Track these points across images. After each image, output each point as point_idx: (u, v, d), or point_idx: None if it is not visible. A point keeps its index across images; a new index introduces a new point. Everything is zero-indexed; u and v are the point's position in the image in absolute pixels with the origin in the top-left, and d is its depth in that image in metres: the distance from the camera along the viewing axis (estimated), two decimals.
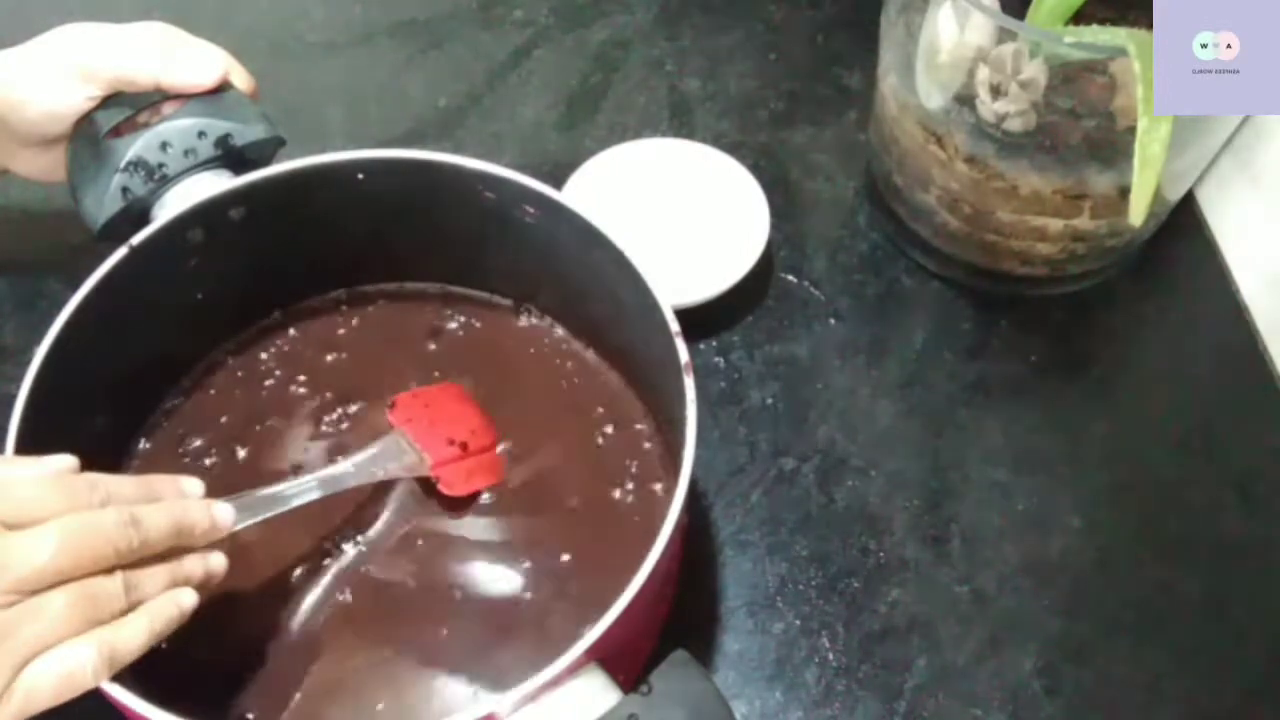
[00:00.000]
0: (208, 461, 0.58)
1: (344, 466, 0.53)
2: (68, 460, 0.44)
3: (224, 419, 0.59)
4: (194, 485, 0.46)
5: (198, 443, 0.58)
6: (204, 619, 0.44)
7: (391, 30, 0.84)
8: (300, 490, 0.50)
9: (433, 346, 0.62)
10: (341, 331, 0.63)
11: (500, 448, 0.58)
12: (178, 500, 0.45)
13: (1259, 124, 0.68)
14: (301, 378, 0.61)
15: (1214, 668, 0.58)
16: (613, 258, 0.53)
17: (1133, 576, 0.61)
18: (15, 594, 0.38)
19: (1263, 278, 0.70)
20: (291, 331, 0.62)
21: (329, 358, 0.62)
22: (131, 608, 0.41)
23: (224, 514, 0.46)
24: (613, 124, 0.79)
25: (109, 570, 0.41)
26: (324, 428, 0.59)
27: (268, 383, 0.61)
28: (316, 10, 0.86)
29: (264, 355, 0.61)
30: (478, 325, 0.63)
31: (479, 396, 0.60)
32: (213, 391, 0.60)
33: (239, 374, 0.61)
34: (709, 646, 0.58)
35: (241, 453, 0.58)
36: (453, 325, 0.63)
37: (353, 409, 0.60)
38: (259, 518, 0.48)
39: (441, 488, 0.55)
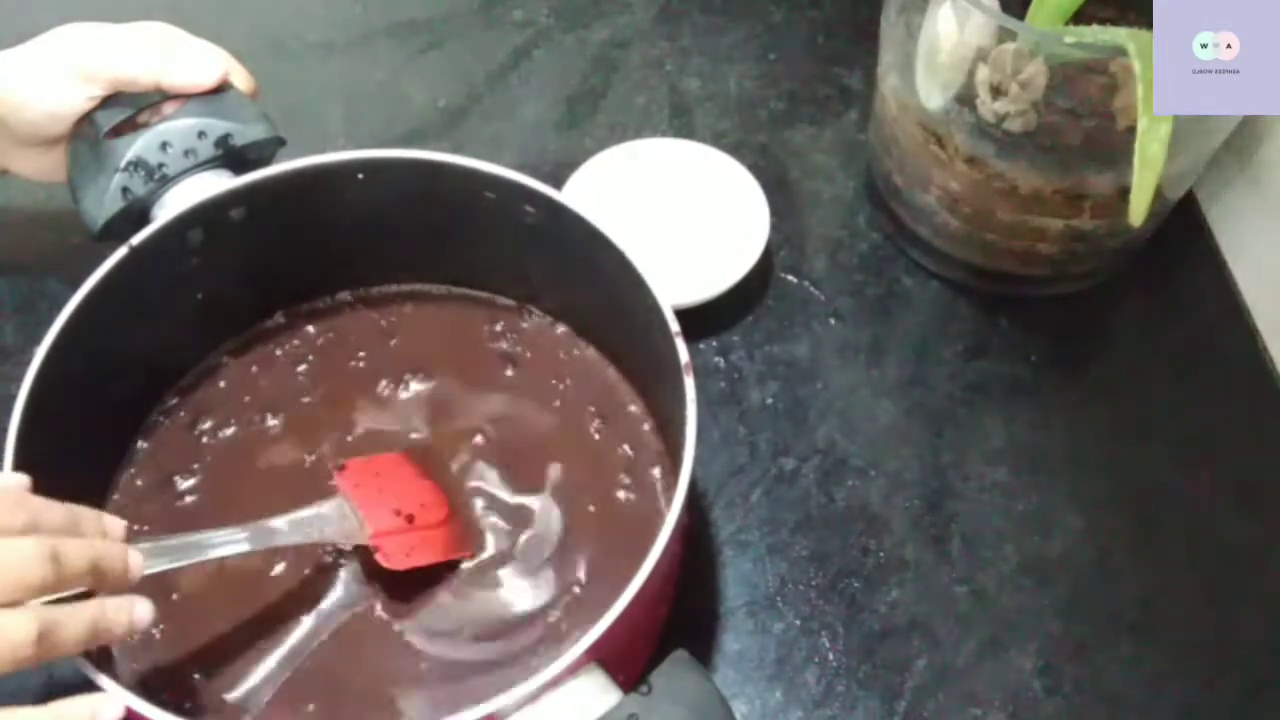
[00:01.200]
0: (189, 485, 0.58)
1: (278, 523, 0.50)
2: (15, 478, 0.43)
3: (222, 418, 0.59)
4: (117, 526, 0.44)
5: (184, 480, 0.58)
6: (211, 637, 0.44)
7: (391, 30, 0.84)
8: (226, 540, 0.48)
9: (435, 346, 0.62)
10: (342, 332, 0.63)
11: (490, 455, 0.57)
12: (98, 539, 0.43)
13: (1259, 124, 0.68)
14: (296, 378, 0.61)
15: (1214, 668, 0.58)
16: (613, 258, 0.53)
17: (1133, 576, 0.61)
18: None
19: (1263, 278, 0.70)
20: (290, 332, 0.62)
21: (328, 359, 0.62)
22: (41, 653, 0.39)
23: (137, 561, 0.44)
24: (613, 124, 0.79)
25: (14, 603, 0.38)
26: (314, 431, 0.59)
27: (265, 382, 0.60)
28: (316, 10, 0.86)
29: (259, 358, 0.61)
30: (479, 325, 0.63)
31: (478, 396, 0.60)
32: (213, 391, 0.60)
33: (237, 374, 0.61)
34: (709, 646, 0.58)
35: (238, 453, 0.58)
36: (454, 325, 0.63)
37: (348, 411, 0.60)
38: (178, 564, 0.46)
39: (379, 559, 0.52)
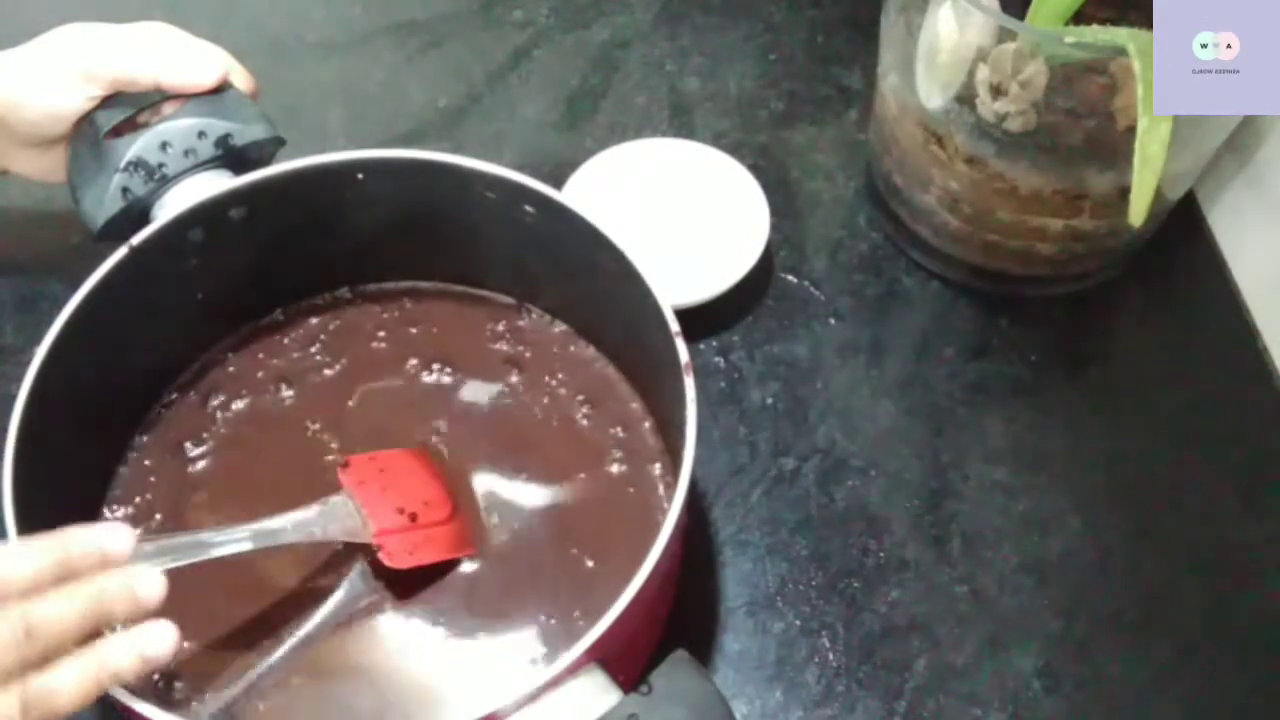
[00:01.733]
0: (200, 451, 0.58)
1: (280, 522, 0.50)
2: None
3: (219, 415, 0.59)
4: (119, 540, 0.40)
5: (195, 447, 0.58)
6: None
7: (391, 30, 0.84)
8: (229, 540, 0.48)
9: (434, 345, 0.62)
10: (342, 331, 0.63)
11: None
12: (93, 580, 0.39)
13: (1259, 124, 0.68)
14: (297, 378, 0.61)
15: (1214, 668, 0.58)
16: (613, 258, 0.53)
17: (1133, 576, 0.61)
18: None
19: (1263, 278, 0.70)
20: (292, 326, 0.62)
21: (328, 358, 0.62)
22: None
23: (149, 589, 0.39)
24: (613, 124, 0.79)
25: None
26: (307, 435, 0.59)
27: (264, 381, 0.60)
28: (316, 10, 0.86)
29: (262, 355, 0.61)
30: (479, 324, 0.63)
31: (479, 393, 0.60)
32: (212, 391, 0.60)
33: (238, 373, 0.61)
34: (709, 646, 0.58)
35: (236, 449, 0.58)
36: (454, 323, 0.63)
37: (343, 413, 0.60)
38: (179, 564, 0.45)
39: (382, 557, 0.52)
